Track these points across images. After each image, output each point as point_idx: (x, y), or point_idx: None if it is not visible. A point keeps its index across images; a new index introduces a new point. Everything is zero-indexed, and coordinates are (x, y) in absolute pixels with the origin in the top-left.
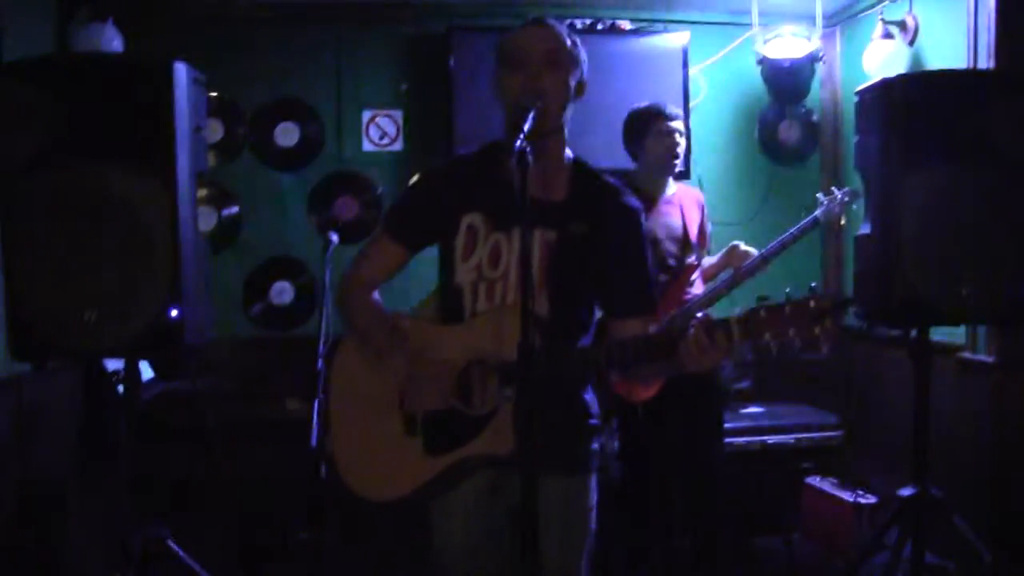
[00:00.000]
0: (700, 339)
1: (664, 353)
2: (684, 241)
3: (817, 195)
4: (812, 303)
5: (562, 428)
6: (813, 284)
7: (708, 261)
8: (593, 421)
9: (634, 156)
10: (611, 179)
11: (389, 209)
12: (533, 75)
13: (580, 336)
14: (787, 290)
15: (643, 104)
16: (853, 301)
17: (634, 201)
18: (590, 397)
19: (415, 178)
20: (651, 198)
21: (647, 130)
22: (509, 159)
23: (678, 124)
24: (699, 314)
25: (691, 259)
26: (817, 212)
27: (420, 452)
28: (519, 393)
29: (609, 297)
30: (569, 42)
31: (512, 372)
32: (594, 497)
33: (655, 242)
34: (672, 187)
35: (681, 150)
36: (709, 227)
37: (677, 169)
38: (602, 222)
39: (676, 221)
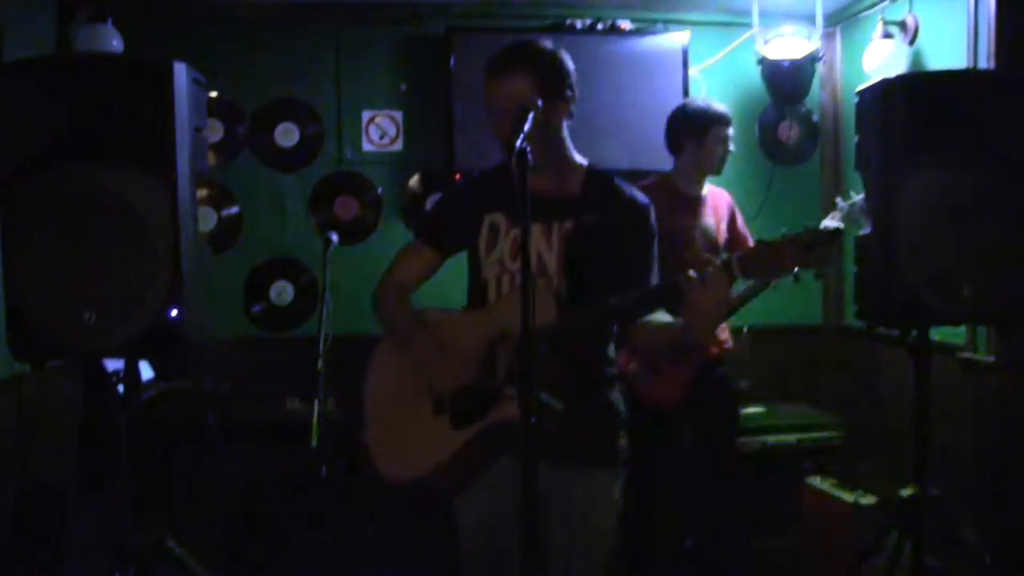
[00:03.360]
0: (703, 278)
1: (671, 299)
2: (715, 244)
3: (836, 199)
4: (805, 235)
5: (589, 422)
6: (807, 223)
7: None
8: (620, 421)
9: (678, 152)
10: (618, 177)
11: (419, 219)
12: (504, 125)
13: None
14: (783, 230)
15: (701, 103)
16: (843, 232)
17: (643, 196)
18: (616, 397)
19: (444, 192)
20: (694, 198)
21: (708, 131)
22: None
23: (732, 130)
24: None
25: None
26: (837, 215)
27: (446, 428)
28: (520, 391)
29: (616, 280)
30: (542, 68)
31: (539, 337)
32: (617, 495)
33: (691, 243)
34: (705, 187)
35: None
36: (746, 230)
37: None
38: (613, 213)
39: (711, 223)
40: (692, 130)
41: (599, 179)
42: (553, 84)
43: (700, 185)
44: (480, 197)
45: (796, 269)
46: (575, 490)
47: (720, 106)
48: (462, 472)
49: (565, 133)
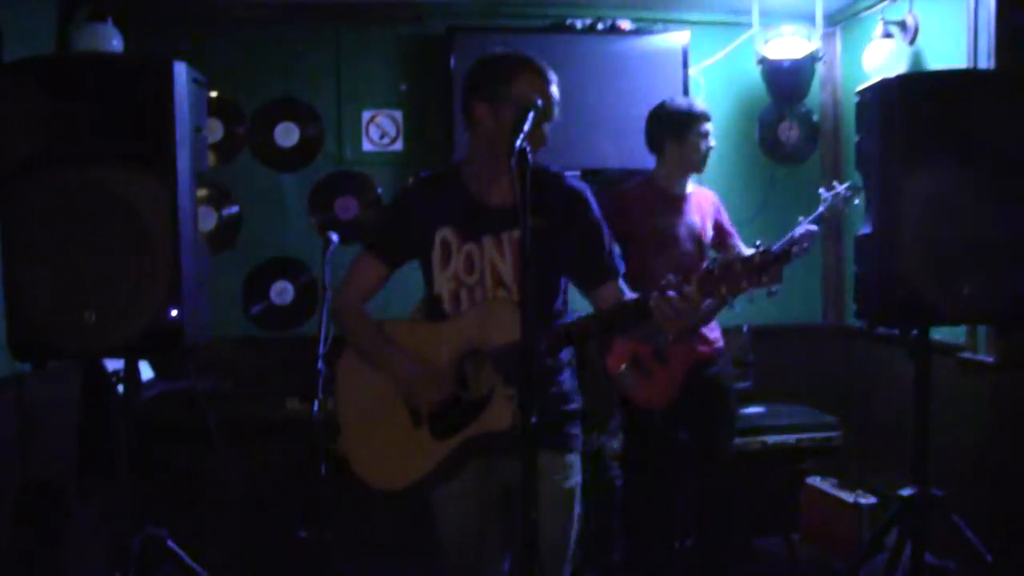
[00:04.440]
0: (668, 299)
1: (639, 317)
2: (700, 242)
3: (820, 190)
4: (757, 258)
5: (545, 410)
6: (758, 243)
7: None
8: (572, 406)
9: (660, 152)
10: (554, 170)
11: (368, 232)
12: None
13: (555, 321)
14: (758, 242)
15: (678, 102)
16: (791, 254)
17: (577, 183)
18: (569, 384)
19: (390, 201)
20: (678, 197)
21: (688, 130)
22: (467, 178)
23: (710, 126)
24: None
25: (705, 263)
26: (821, 207)
27: (428, 438)
28: (519, 386)
29: (579, 273)
30: None
31: (503, 357)
32: (577, 477)
33: (676, 241)
34: (690, 187)
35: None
36: (731, 227)
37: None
38: (555, 210)
39: (696, 221)
40: (672, 130)
41: (537, 180)
42: None
43: (684, 184)
44: (430, 211)
45: (750, 289)
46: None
47: (699, 103)
48: (448, 472)
49: None
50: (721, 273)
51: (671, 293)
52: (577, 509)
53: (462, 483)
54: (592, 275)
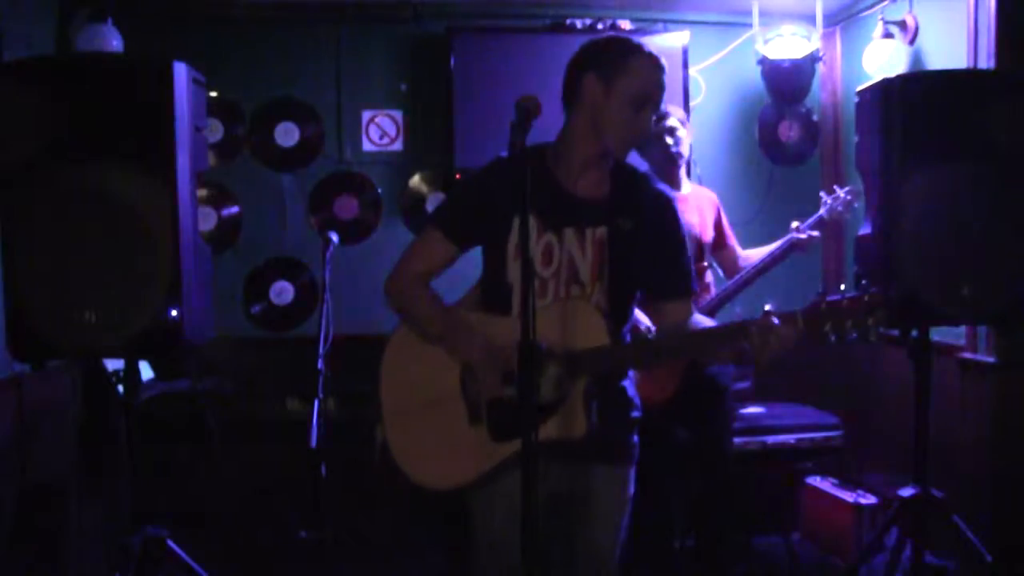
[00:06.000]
0: (771, 328)
1: (738, 341)
2: (698, 243)
3: (820, 193)
4: (866, 298)
5: (608, 419)
6: (864, 282)
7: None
8: (635, 413)
9: (640, 152)
10: (643, 170)
11: (439, 209)
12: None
13: (626, 325)
14: (841, 287)
15: None
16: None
17: (668, 189)
18: (631, 390)
19: (463, 180)
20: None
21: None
22: (554, 162)
23: (671, 122)
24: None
25: (703, 263)
26: (822, 211)
27: (486, 439)
28: (520, 391)
29: (655, 281)
30: None
31: (578, 362)
32: (632, 488)
33: None
34: (687, 187)
35: (683, 148)
36: (729, 228)
37: (680, 167)
38: (643, 213)
39: (694, 221)
40: None
41: (626, 177)
42: None
43: (675, 182)
44: (509, 194)
45: (854, 335)
46: (592, 485)
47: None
48: (496, 479)
49: None
50: (828, 309)
51: (776, 321)
52: (627, 519)
53: (505, 490)
54: (667, 287)
